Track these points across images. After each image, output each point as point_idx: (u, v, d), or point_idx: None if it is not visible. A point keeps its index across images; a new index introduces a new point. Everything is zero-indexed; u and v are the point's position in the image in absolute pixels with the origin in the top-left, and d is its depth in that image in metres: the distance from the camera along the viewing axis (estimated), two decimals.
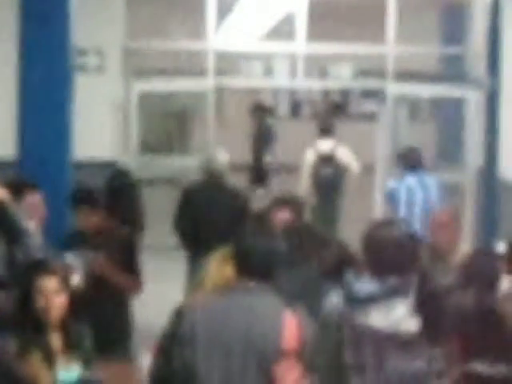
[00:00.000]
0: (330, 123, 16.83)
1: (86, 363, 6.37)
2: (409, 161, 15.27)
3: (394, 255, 6.53)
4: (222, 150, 14.94)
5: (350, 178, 16.05)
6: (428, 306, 5.67)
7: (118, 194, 12.68)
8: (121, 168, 13.44)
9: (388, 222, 7.20)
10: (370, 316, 6.33)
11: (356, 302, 6.45)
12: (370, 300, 6.32)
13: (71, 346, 6.28)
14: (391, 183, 15.51)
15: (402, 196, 14.53)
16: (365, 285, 6.42)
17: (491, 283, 6.60)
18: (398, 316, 6.16)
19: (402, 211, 14.76)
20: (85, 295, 7.64)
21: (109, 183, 12.91)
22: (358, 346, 6.33)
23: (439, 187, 15.47)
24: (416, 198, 14.74)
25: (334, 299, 6.75)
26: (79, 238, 9.26)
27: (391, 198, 15.12)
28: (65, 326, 6.28)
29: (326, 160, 15.46)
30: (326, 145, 15.90)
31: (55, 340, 6.13)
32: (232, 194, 13.48)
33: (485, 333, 4.92)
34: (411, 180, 15.20)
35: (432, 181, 15.71)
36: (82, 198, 9.44)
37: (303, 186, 15.58)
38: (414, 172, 15.13)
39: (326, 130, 16.41)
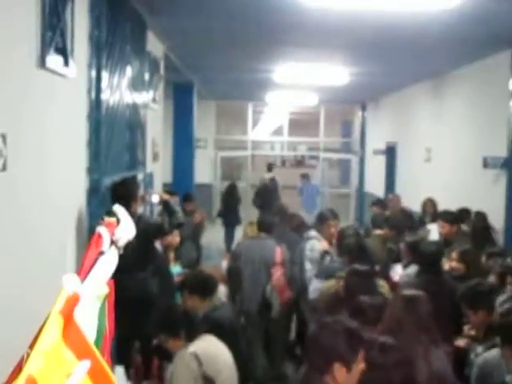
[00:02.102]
0: (272, 166, 17.17)
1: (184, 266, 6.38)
2: (305, 177, 16.08)
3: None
4: (272, 175, 16.25)
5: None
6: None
7: (232, 193, 13.36)
8: (233, 183, 13.77)
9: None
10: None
11: None
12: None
13: (176, 258, 6.29)
14: (300, 184, 16.19)
15: (304, 191, 15.27)
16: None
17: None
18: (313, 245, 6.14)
19: (304, 198, 15.44)
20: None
21: (228, 189, 13.66)
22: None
23: (318, 190, 16.44)
24: (309, 192, 15.37)
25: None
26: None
27: (300, 191, 15.78)
28: (176, 249, 6.28)
29: (272, 179, 15.82)
30: (271, 174, 16.27)
31: (171, 255, 6.10)
32: (272, 190, 14.47)
33: (363, 257, 4.82)
34: (307, 184, 15.88)
35: (316, 186, 16.64)
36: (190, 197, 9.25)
37: None
38: (308, 181, 15.95)
39: (270, 169, 16.79)
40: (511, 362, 2.96)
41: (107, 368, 0.63)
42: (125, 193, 4.60)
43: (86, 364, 0.48)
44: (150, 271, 4.70)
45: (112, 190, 4.66)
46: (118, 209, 0.77)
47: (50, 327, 0.45)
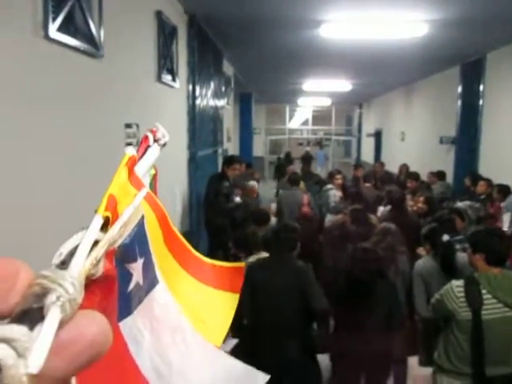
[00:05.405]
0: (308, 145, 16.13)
1: None
2: (320, 148, 15.57)
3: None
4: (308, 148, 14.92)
5: None
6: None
7: (288, 157, 12.53)
8: (289, 152, 13.20)
9: None
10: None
11: None
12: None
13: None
14: (317, 152, 15.33)
15: (319, 156, 14.47)
16: None
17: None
18: (334, 193, 5.81)
19: (317, 160, 14.61)
20: None
21: (285, 156, 12.88)
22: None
23: (324, 155, 15.94)
24: (320, 157, 14.66)
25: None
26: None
27: (315, 155, 14.57)
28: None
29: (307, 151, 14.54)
30: (308, 148, 15.19)
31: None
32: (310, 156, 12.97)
33: (360, 200, 4.68)
34: (320, 152, 15.47)
35: (323, 153, 15.98)
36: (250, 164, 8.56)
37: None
38: (321, 150, 15.55)
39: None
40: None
41: (155, 196, 0.65)
42: (227, 162, 4.80)
43: (146, 189, 0.50)
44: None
45: (224, 159, 4.89)
46: (158, 125, 0.78)
47: (120, 172, 0.47)
